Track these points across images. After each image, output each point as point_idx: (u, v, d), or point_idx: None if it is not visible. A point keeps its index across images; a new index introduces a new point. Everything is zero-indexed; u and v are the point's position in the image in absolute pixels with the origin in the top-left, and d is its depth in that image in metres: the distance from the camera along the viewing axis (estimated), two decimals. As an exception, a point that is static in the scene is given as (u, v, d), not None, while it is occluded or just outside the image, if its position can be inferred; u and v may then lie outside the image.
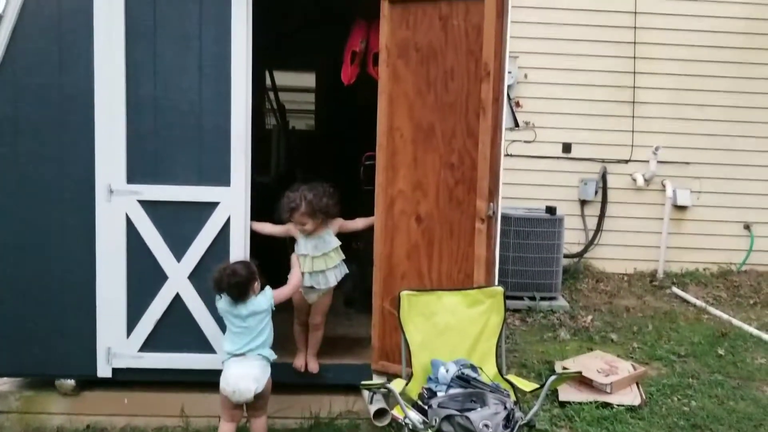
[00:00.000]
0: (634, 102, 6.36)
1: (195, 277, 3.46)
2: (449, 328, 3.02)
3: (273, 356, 3.20)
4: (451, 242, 3.38)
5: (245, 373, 3.06)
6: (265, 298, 3.15)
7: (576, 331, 4.86)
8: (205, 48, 3.41)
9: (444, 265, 3.41)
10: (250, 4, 3.38)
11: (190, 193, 3.44)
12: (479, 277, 3.26)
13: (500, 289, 3.06)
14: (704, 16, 6.24)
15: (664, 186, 6.32)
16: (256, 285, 3.13)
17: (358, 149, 4.51)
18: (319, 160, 6.46)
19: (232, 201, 3.45)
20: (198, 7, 3.38)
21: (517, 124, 5.45)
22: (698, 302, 5.57)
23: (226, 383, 3.06)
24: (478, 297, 3.07)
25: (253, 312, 3.11)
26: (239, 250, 3.44)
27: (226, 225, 3.45)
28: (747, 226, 6.44)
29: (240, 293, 3.08)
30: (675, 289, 5.93)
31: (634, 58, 6.31)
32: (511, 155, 6.27)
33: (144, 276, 3.46)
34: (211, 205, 3.45)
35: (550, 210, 5.47)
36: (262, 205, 3.62)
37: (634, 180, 6.36)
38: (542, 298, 5.31)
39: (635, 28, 6.28)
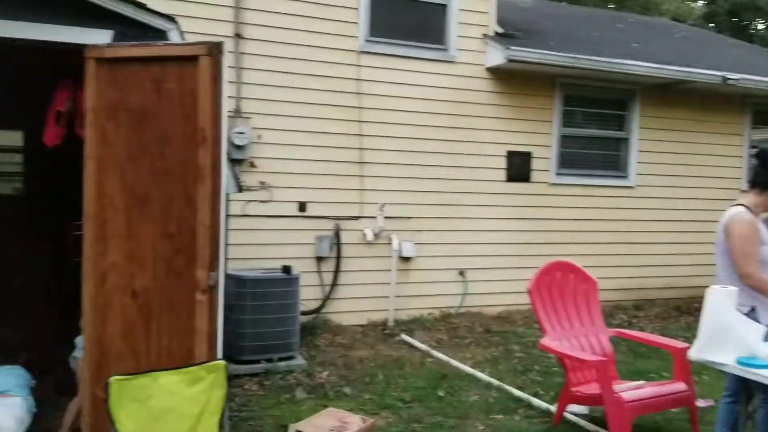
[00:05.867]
0: (362, 162, 6.79)
1: None
2: (167, 411, 2.82)
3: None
4: (171, 317, 3.22)
5: None
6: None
7: (312, 388, 4.92)
8: None
9: (164, 341, 3.22)
10: None
11: None
12: (201, 352, 3.14)
13: (222, 363, 2.97)
14: (417, 85, 6.94)
15: (390, 240, 6.79)
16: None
17: (71, 216, 4.14)
18: (26, 229, 5.76)
19: None
20: None
21: (240, 190, 5.44)
22: (423, 346, 6.02)
23: None
24: (199, 374, 2.92)
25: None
26: None
27: None
28: (461, 272, 7.18)
29: None
30: (404, 336, 6.34)
31: (360, 121, 6.76)
32: (248, 215, 6.28)
33: None
34: None
35: (286, 269, 5.54)
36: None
37: (365, 235, 6.74)
38: (280, 359, 5.31)
39: (359, 94, 6.75)
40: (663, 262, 8.11)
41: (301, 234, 6.55)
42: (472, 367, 5.50)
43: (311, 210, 6.59)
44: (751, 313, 3.42)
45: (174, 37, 3.67)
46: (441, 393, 4.89)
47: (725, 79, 7.83)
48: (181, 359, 3.17)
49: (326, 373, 5.23)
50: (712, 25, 22.11)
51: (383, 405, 4.66)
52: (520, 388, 4.97)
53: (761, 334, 3.10)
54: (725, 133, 8.55)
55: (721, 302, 3.09)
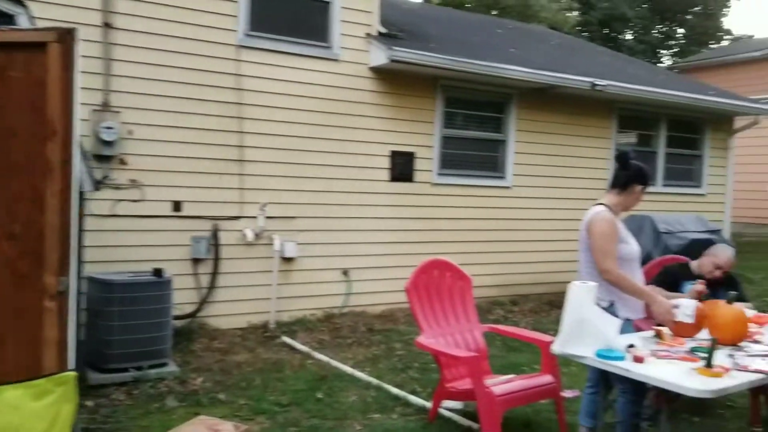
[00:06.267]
0: (242, 161, 6.59)
1: None
2: (11, 429, 2.59)
3: None
4: (16, 325, 2.96)
5: None
6: None
7: (185, 396, 4.70)
8: None
9: (9, 353, 2.95)
10: None
11: None
12: (51, 363, 2.90)
13: (71, 374, 2.75)
14: (298, 82, 6.83)
15: (272, 240, 6.64)
16: None
17: None
18: None
19: None
20: None
21: (98, 188, 5.14)
22: (304, 348, 5.93)
23: None
24: (46, 387, 2.70)
25: None
26: None
27: None
28: (345, 272, 7.15)
29: None
30: (285, 338, 6.22)
31: (240, 118, 6.57)
32: (117, 215, 5.94)
33: None
34: None
35: (157, 272, 5.26)
36: None
37: (245, 235, 6.55)
38: (151, 366, 5.03)
39: (239, 89, 6.56)
40: (537, 258, 8.46)
41: (175, 235, 6.26)
42: (353, 367, 5.47)
43: (187, 209, 6.32)
44: (610, 308, 3.59)
45: (23, 22, 3.38)
46: (320, 395, 4.82)
47: (594, 84, 8.28)
48: (28, 371, 2.91)
49: (200, 379, 5.02)
50: (586, 34, 23.46)
51: (259, 410, 4.53)
52: (398, 386, 4.99)
53: (618, 328, 3.26)
54: (594, 137, 9.05)
55: (581, 297, 3.22)
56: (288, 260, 6.81)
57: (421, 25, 8.54)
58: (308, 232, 6.95)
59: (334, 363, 5.54)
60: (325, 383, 5.07)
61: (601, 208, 3.72)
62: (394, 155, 7.43)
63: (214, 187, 6.45)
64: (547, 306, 8.06)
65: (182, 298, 6.01)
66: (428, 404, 4.48)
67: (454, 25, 9.75)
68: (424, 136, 7.66)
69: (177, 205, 6.27)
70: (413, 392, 4.87)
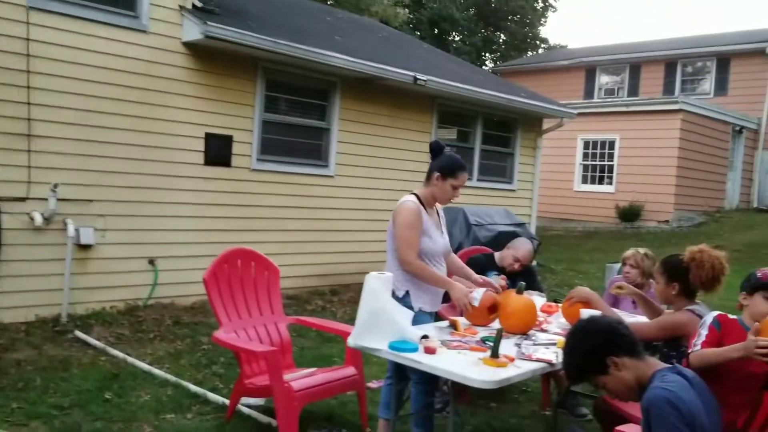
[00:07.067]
0: (30, 135, 5.86)
1: None
2: None
3: None
4: None
5: None
6: None
7: (-60, 403, 4.07)
8: None
9: None
10: None
11: None
12: None
13: None
14: (100, 52, 6.21)
15: (65, 225, 5.99)
16: None
17: None
18: None
19: None
20: None
21: None
22: (98, 344, 5.42)
23: None
24: None
25: None
26: None
27: None
28: (152, 261, 6.65)
29: None
30: (78, 333, 5.65)
31: (28, 87, 5.83)
32: None
33: None
34: None
35: None
36: None
37: (32, 219, 5.85)
38: None
39: (28, 56, 5.82)
40: (358, 248, 8.48)
41: (-56, 217, 5.44)
42: (151, 363, 5.08)
43: (-40, 188, 5.52)
44: (406, 297, 3.59)
45: None
46: (108, 395, 4.39)
47: (416, 78, 8.45)
48: None
49: (-33, 383, 4.38)
50: (418, 33, 24.19)
51: (34, 414, 4.02)
52: (199, 383, 4.70)
53: (410, 319, 3.24)
54: (416, 130, 9.25)
55: (376, 288, 3.16)
56: (85, 247, 6.18)
57: (243, 4, 8.16)
58: (110, 217, 6.36)
59: (131, 360, 5.10)
60: (116, 382, 4.64)
61: (410, 197, 3.68)
62: (209, 138, 7.03)
63: (-4, 163, 5.69)
64: (365, 296, 8.09)
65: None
66: (228, 402, 4.24)
67: (281, 8, 9.46)
68: (243, 120, 7.34)
69: (-55, 183, 5.44)
70: (214, 389, 4.60)
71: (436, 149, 3.74)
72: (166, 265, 6.74)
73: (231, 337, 3.91)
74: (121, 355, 5.20)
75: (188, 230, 6.91)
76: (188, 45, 6.76)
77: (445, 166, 3.70)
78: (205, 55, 6.92)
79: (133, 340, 5.73)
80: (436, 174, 3.67)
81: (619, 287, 3.87)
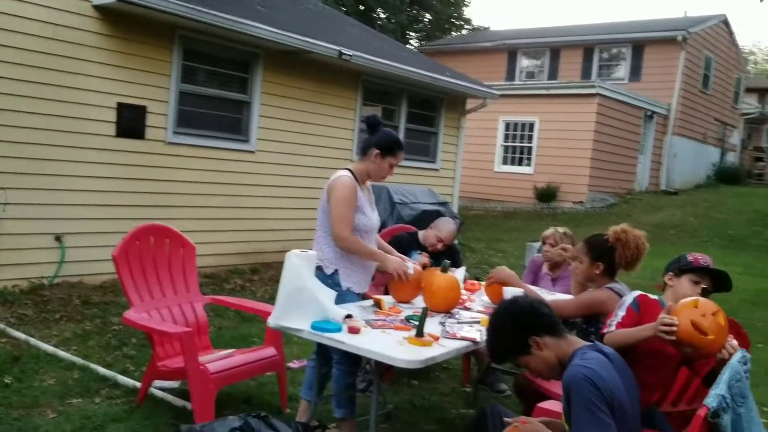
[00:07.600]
0: None
1: None
2: None
3: None
4: None
5: None
6: None
7: None
8: None
9: None
10: None
11: None
12: None
13: None
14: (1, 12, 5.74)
15: (-40, 198, 5.55)
16: None
17: None
18: None
19: None
20: None
21: None
22: (-2, 326, 5.06)
23: None
24: None
25: None
26: None
27: None
28: (58, 238, 6.27)
29: None
30: (-26, 315, 5.26)
31: None
32: None
33: None
34: None
35: None
36: None
37: None
38: None
39: None
40: (280, 226, 8.31)
41: None
42: (57, 345, 4.78)
43: None
44: (335, 275, 3.49)
45: None
46: (8, 380, 4.10)
47: (341, 53, 8.28)
48: None
49: None
50: (344, 8, 23.83)
51: None
52: (108, 366, 4.46)
53: (333, 298, 3.15)
54: (341, 106, 9.09)
55: (298, 267, 3.05)
56: (-18, 222, 5.75)
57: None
58: (12, 191, 5.92)
59: (33, 341, 4.79)
60: (17, 366, 4.34)
61: (344, 172, 3.56)
62: (122, 108, 6.65)
63: None
64: (287, 274, 7.94)
65: None
66: (140, 385, 4.04)
67: (200, -26, 9.03)
68: (159, 90, 6.98)
69: None
70: (124, 372, 4.38)
71: (373, 124, 3.63)
72: (73, 242, 6.36)
73: (142, 318, 3.71)
74: (23, 336, 4.87)
75: (98, 205, 6.54)
76: (100, 8, 6.34)
77: (385, 143, 3.60)
78: (119, 20, 6.52)
79: (37, 320, 5.39)
80: (375, 151, 3.57)
81: (564, 249, 4.24)
